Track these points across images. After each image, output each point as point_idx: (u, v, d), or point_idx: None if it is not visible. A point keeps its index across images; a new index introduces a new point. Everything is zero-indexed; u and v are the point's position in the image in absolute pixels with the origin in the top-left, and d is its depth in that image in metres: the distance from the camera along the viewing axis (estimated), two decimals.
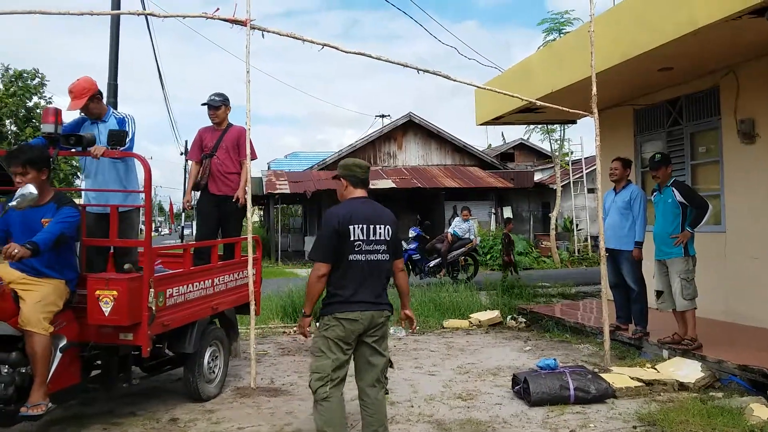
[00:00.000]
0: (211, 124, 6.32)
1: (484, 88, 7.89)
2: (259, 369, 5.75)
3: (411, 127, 25.67)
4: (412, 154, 25.93)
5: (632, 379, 5.41)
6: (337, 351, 3.64)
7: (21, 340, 3.94)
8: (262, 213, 35.17)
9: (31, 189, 3.87)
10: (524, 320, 8.86)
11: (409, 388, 5.62)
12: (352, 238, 3.63)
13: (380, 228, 3.73)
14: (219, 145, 6.20)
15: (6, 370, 3.82)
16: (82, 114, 5.20)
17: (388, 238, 3.77)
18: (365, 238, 3.67)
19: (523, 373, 5.40)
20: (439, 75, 6.06)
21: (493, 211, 24.00)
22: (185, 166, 36.40)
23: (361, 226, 3.66)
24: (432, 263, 13.86)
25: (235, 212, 6.34)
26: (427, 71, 5.90)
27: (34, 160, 4.14)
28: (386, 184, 22.30)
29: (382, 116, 34.07)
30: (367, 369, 3.76)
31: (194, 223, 7.96)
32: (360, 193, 3.85)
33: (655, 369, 5.71)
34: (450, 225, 14.38)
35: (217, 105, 6.21)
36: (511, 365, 6.46)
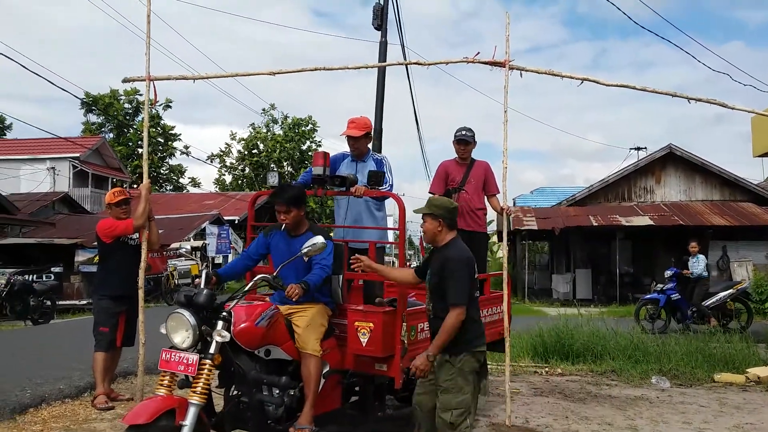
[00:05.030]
0: (456, 158, 6.30)
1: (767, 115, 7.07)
2: (512, 407, 5.70)
3: (671, 160, 23.79)
4: (672, 189, 23.98)
5: None
6: (473, 382, 4.01)
7: (290, 364, 4.31)
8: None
9: (321, 240, 4.22)
10: None
11: None
12: (476, 277, 4.08)
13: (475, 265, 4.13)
14: (467, 179, 6.21)
15: (277, 393, 4.13)
16: (347, 151, 5.64)
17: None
18: (476, 277, 4.10)
19: None
20: (713, 103, 5.58)
21: None
22: None
23: (475, 264, 4.06)
24: (693, 309, 12.55)
25: (481, 248, 6.38)
26: (700, 100, 5.47)
27: (295, 200, 4.50)
28: (643, 221, 20.88)
29: (638, 148, 32.22)
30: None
31: None
32: (454, 234, 4.12)
33: None
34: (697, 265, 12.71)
35: (469, 141, 6.18)
36: None
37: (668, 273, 12.93)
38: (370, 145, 5.72)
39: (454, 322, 3.84)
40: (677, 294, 12.59)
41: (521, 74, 5.76)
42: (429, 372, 3.95)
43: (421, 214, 4.13)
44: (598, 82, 5.68)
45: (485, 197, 6.31)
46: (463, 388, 3.90)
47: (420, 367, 3.89)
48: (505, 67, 5.66)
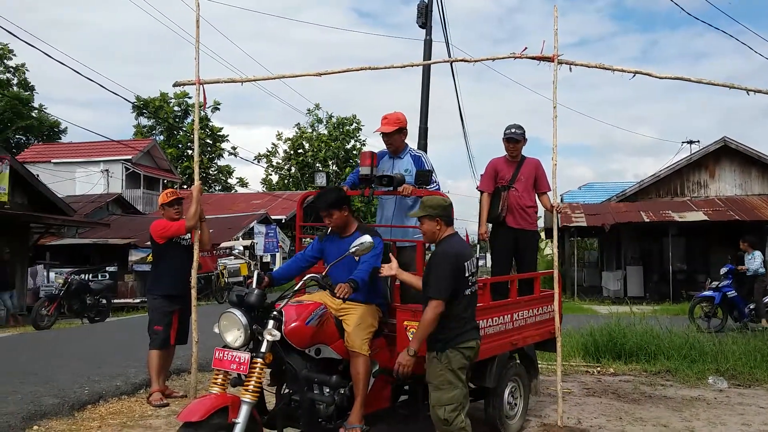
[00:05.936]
0: (506, 155, 6.23)
1: None
2: (564, 407, 5.60)
3: (725, 153, 23.04)
4: (726, 183, 23.23)
5: None
6: (464, 378, 3.98)
7: (340, 363, 4.32)
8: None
9: (368, 238, 4.19)
10: None
11: None
12: (466, 274, 3.98)
13: (475, 261, 4.11)
14: (516, 177, 6.14)
15: (328, 391, 4.14)
16: (383, 149, 5.55)
17: (477, 270, 4.23)
18: (472, 272, 4.04)
19: None
20: None
21: None
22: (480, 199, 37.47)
23: (469, 261, 4.01)
24: (750, 306, 12.17)
25: (531, 246, 6.30)
26: (759, 91, 5.28)
27: (333, 203, 4.51)
28: (696, 216, 20.30)
29: (690, 142, 31.39)
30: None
31: (487, 255, 8.03)
32: (452, 230, 4.15)
33: None
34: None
35: (519, 139, 6.11)
36: None
37: (723, 270, 12.58)
38: (407, 141, 5.61)
39: (431, 316, 3.88)
40: (733, 291, 12.22)
41: (570, 69, 5.65)
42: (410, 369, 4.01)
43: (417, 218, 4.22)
44: (650, 75, 5.53)
45: (536, 195, 6.23)
46: (453, 384, 3.93)
47: (403, 363, 3.95)
48: (553, 61, 5.54)
